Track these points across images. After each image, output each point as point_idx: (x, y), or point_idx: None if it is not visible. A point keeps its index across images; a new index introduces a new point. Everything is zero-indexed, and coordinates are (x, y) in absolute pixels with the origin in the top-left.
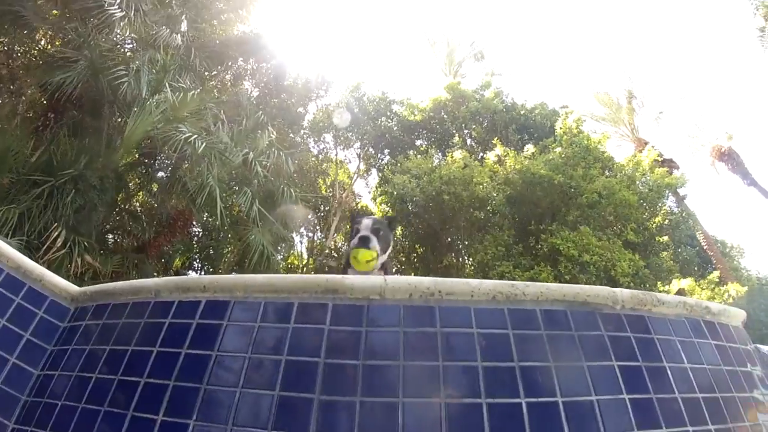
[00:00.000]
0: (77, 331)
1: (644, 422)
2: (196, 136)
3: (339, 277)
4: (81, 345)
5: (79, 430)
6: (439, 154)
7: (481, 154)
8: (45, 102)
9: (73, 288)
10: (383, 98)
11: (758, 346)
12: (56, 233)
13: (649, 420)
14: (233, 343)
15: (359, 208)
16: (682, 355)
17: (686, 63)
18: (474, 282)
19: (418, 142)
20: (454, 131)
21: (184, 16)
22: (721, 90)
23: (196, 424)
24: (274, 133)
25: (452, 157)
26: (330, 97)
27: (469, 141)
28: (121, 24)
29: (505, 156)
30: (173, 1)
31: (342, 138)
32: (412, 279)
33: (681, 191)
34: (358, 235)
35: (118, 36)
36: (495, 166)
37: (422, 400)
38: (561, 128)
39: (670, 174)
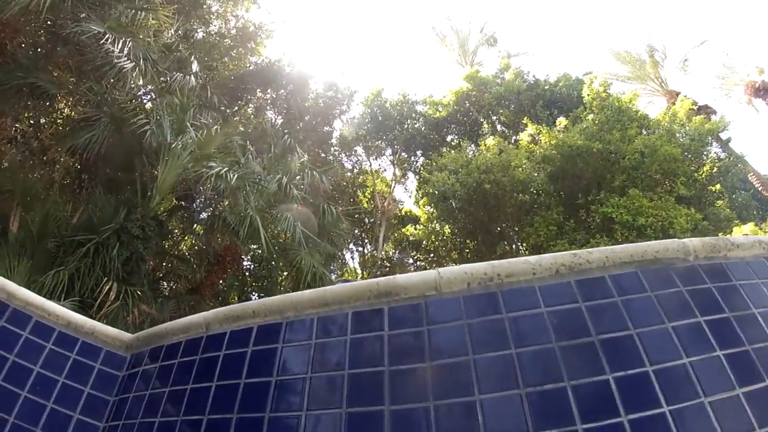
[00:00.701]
0: (136, 377)
1: (745, 378)
2: (227, 169)
3: (390, 278)
4: (141, 391)
5: None
6: (472, 145)
7: (514, 137)
8: (77, 165)
9: (126, 336)
10: (405, 101)
11: None
12: (107, 287)
13: (751, 374)
14: (291, 366)
15: (404, 213)
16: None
17: (703, 4)
18: (533, 258)
19: (449, 138)
20: (482, 119)
21: (192, 57)
22: (745, 24)
23: None
24: (305, 155)
25: (485, 145)
26: (353, 110)
27: (499, 127)
28: (133, 74)
29: (539, 134)
30: (180, 46)
31: (373, 148)
32: (468, 266)
33: (723, 136)
34: None
35: (134, 88)
36: (530, 146)
37: (500, 394)
38: (589, 95)
39: (709, 120)
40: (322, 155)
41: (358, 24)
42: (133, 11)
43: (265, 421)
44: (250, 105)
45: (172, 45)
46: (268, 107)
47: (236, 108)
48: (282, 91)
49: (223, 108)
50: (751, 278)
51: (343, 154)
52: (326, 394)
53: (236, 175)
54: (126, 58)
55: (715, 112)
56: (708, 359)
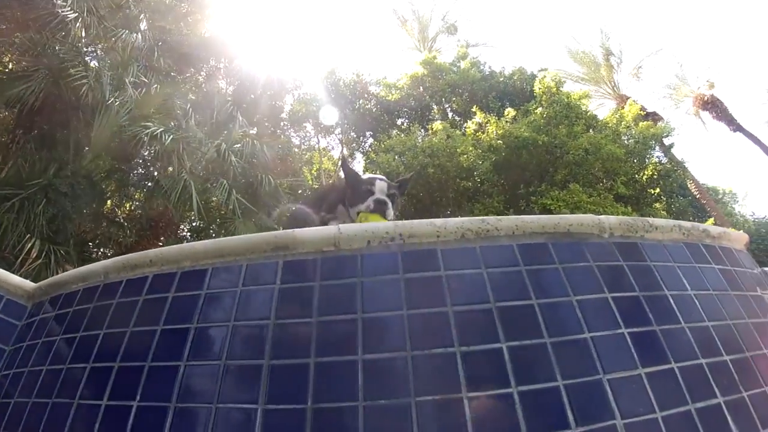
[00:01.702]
0: (32, 327)
1: (649, 357)
2: (162, 129)
3: (288, 231)
4: (35, 340)
5: (35, 424)
6: (422, 130)
7: (463, 125)
8: (11, 119)
9: (29, 285)
10: (359, 80)
11: (766, 269)
12: (30, 244)
13: (654, 354)
14: (180, 315)
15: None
16: (684, 281)
17: (661, 14)
18: (438, 221)
19: (399, 121)
20: (434, 105)
21: (142, 16)
22: (699, 38)
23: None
24: (255, 128)
25: (432, 129)
26: (306, 87)
27: (450, 114)
28: (76, 26)
29: (486, 122)
30: (130, 3)
31: (322, 126)
32: (370, 224)
33: (667, 141)
34: (373, 197)
35: (76, 42)
36: (477, 134)
37: (385, 355)
38: (539, 88)
39: (655, 125)
40: (271, 129)
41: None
42: None
43: (146, 370)
44: (202, 72)
45: (121, 2)
46: (221, 76)
47: (188, 75)
48: (236, 61)
49: (173, 74)
50: (667, 261)
51: (292, 130)
52: (210, 346)
53: (171, 137)
54: (70, 9)
55: (662, 120)
56: (611, 336)
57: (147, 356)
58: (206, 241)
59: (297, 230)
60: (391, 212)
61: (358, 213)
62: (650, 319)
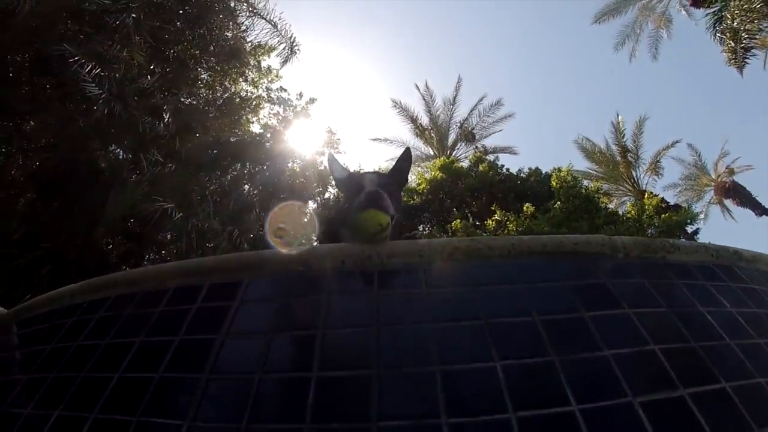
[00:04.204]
0: None
1: (690, 377)
2: (172, 206)
3: (257, 252)
4: None
5: None
6: (442, 234)
7: (483, 224)
8: (31, 187)
9: (3, 311)
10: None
11: None
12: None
13: (698, 373)
14: (127, 333)
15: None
16: (721, 298)
17: (676, 104)
18: (423, 241)
19: (420, 227)
20: (455, 209)
21: (166, 107)
22: (716, 124)
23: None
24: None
25: (452, 227)
26: (329, 192)
27: (470, 217)
28: (99, 102)
29: (506, 220)
30: (156, 94)
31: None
32: (344, 245)
33: (691, 229)
34: (364, 192)
35: (99, 117)
36: (497, 232)
37: (352, 373)
38: (557, 182)
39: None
40: (292, 233)
41: (340, 102)
42: (110, 42)
43: (77, 381)
44: (228, 176)
45: (147, 90)
46: (245, 181)
47: (212, 176)
48: (260, 167)
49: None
50: (697, 279)
51: (314, 235)
52: (154, 360)
53: (181, 215)
54: (94, 85)
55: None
56: (637, 353)
57: (82, 368)
58: (173, 263)
59: (266, 251)
60: (389, 203)
61: (355, 212)
62: (685, 334)
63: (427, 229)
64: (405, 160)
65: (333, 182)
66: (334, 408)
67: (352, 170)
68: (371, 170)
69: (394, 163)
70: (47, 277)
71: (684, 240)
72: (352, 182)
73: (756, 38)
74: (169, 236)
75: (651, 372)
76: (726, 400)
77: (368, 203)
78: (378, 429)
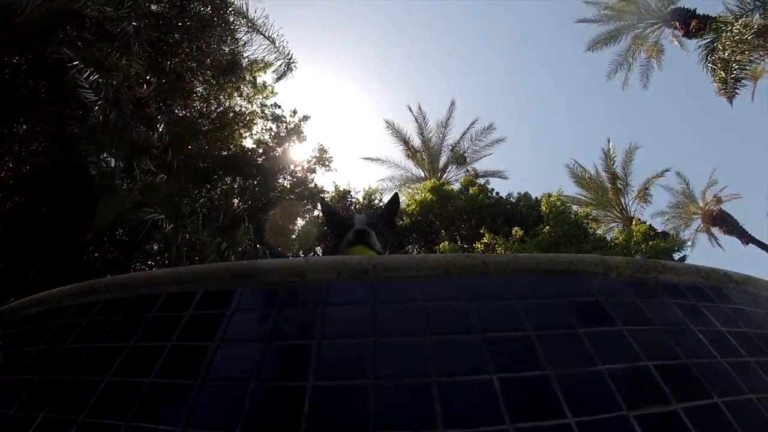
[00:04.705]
0: None
1: (684, 392)
2: (163, 217)
3: (253, 261)
4: None
5: None
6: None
7: (471, 248)
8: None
9: None
10: (370, 207)
11: None
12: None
13: (691, 389)
14: (118, 337)
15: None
16: (712, 318)
17: (665, 132)
18: (418, 256)
19: (407, 248)
20: (443, 231)
21: (160, 117)
22: (705, 152)
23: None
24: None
25: (440, 249)
26: (318, 210)
27: (458, 241)
28: (95, 109)
29: (494, 243)
30: (151, 104)
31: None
32: (341, 257)
33: (677, 256)
34: (354, 229)
35: (93, 123)
36: (485, 254)
37: (347, 383)
38: (546, 206)
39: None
40: (279, 249)
41: (333, 120)
42: (109, 49)
43: (64, 383)
44: (218, 189)
45: (142, 99)
46: (235, 195)
47: (204, 191)
48: (250, 181)
49: (191, 186)
50: (688, 299)
51: (301, 252)
52: (146, 365)
53: (172, 227)
54: (91, 91)
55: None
56: (631, 368)
57: (71, 371)
58: (166, 269)
59: (261, 260)
60: (375, 241)
61: (345, 247)
62: (678, 351)
63: (414, 249)
64: (393, 203)
65: (325, 225)
66: (330, 418)
67: (341, 211)
68: (359, 212)
69: (384, 205)
70: (33, 280)
71: (676, 261)
72: (342, 221)
73: (746, 69)
74: (156, 247)
75: (645, 387)
76: (718, 414)
77: (357, 239)
78: None
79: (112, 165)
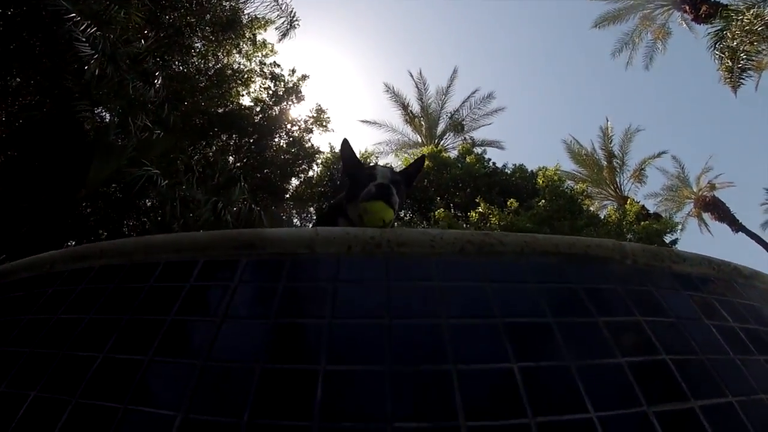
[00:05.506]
0: None
1: (701, 390)
2: (158, 173)
3: (257, 230)
4: None
5: None
6: (424, 222)
7: (466, 216)
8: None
9: None
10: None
11: None
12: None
13: (709, 388)
14: (118, 307)
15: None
16: (724, 312)
17: (662, 115)
18: (434, 231)
19: (402, 213)
20: (438, 198)
21: (158, 73)
22: (702, 138)
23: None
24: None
25: (435, 216)
26: (313, 170)
27: (452, 209)
28: (91, 62)
29: (489, 214)
30: (150, 60)
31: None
32: (353, 229)
33: (669, 239)
34: (375, 183)
35: (89, 79)
36: (479, 224)
37: (359, 367)
38: (543, 180)
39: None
40: (273, 208)
41: (332, 82)
42: (107, 2)
43: (57, 359)
44: (213, 147)
45: (140, 54)
46: (231, 153)
47: (198, 146)
48: (246, 139)
49: (186, 143)
50: (701, 291)
51: (295, 211)
52: (145, 339)
53: (167, 182)
54: (87, 45)
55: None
56: (649, 362)
57: (63, 345)
58: (165, 235)
59: (266, 229)
60: (396, 200)
61: (363, 201)
62: (693, 347)
63: (408, 215)
64: (419, 165)
65: (341, 167)
66: (345, 405)
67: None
68: (384, 165)
69: (407, 165)
70: (25, 237)
71: (688, 252)
72: (363, 170)
73: (753, 60)
74: (149, 203)
75: (663, 382)
76: (733, 414)
77: (379, 195)
78: (393, 430)
79: (107, 120)
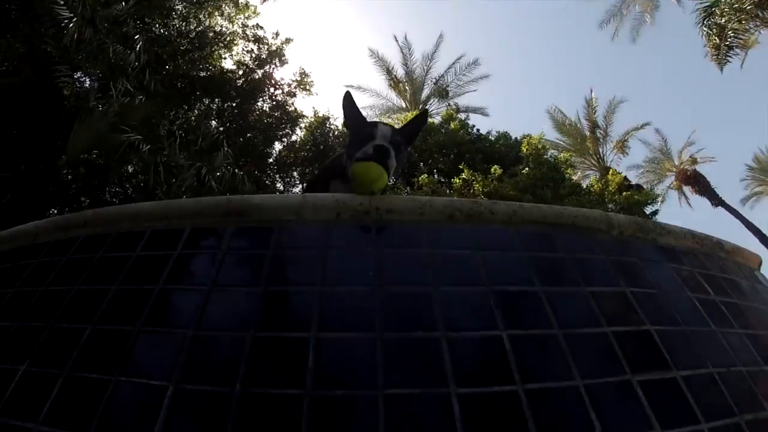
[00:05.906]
0: None
1: (686, 361)
2: (140, 138)
3: (245, 197)
4: None
5: None
6: (407, 188)
7: (450, 182)
8: None
9: None
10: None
11: None
12: None
13: (693, 359)
14: (103, 278)
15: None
16: (708, 287)
17: (648, 86)
18: (423, 198)
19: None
20: (421, 164)
21: (138, 36)
22: (685, 111)
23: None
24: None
25: (419, 182)
26: (297, 135)
27: (436, 175)
28: (70, 26)
29: (473, 180)
30: (129, 22)
31: (309, 176)
32: (340, 195)
33: (649, 210)
34: (373, 143)
35: (69, 41)
36: (462, 190)
37: (344, 335)
38: (527, 148)
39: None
40: (257, 172)
41: (316, 45)
42: None
43: (45, 332)
44: (195, 111)
45: (120, 17)
46: (213, 117)
47: (181, 110)
48: (228, 103)
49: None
50: (685, 265)
51: (278, 176)
52: (134, 310)
53: (149, 147)
54: (65, 8)
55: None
56: (634, 332)
57: (51, 318)
58: (152, 203)
59: (254, 196)
60: (393, 163)
61: (357, 161)
62: (678, 319)
63: (390, 180)
64: (420, 121)
65: (342, 121)
66: (336, 372)
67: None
68: (385, 122)
69: (408, 121)
70: (7, 206)
71: (673, 224)
72: (363, 127)
73: (740, 38)
74: (131, 169)
75: (647, 352)
76: (714, 385)
77: (376, 156)
78: (385, 397)
79: (87, 85)
